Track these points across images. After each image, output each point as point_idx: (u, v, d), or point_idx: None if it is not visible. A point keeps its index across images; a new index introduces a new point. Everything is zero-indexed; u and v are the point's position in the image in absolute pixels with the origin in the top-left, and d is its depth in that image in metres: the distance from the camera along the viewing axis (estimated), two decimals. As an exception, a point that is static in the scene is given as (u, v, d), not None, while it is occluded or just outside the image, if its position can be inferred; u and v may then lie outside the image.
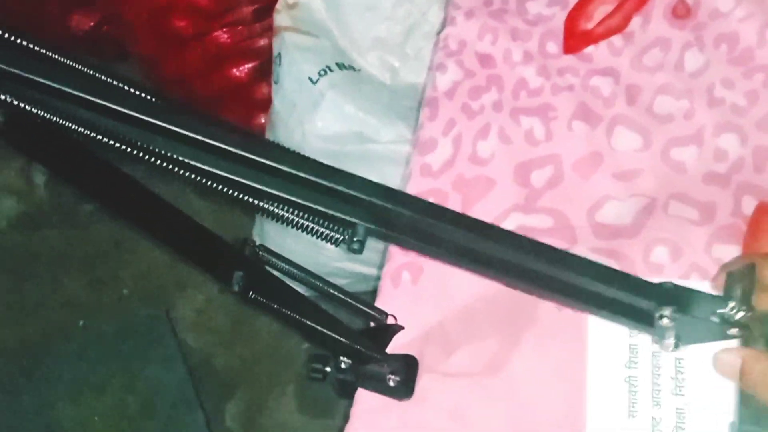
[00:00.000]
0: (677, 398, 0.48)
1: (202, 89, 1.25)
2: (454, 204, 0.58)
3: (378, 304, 0.56)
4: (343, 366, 0.51)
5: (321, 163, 0.41)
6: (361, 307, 0.54)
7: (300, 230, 0.41)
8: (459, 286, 0.55)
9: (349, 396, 0.54)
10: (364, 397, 0.53)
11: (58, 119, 0.37)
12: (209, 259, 0.46)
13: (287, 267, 0.51)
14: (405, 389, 0.53)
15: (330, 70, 1.05)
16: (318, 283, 0.52)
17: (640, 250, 0.54)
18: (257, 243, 0.49)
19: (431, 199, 0.58)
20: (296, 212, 0.41)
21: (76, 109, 0.37)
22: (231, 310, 1.19)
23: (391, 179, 0.62)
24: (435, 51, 0.67)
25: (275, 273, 0.50)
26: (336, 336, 0.49)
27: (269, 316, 0.49)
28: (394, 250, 0.58)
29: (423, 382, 0.53)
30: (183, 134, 0.38)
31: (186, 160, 0.39)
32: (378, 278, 0.58)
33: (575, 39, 0.63)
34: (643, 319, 0.42)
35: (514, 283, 0.44)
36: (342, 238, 0.41)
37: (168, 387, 1.16)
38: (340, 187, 0.40)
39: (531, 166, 0.59)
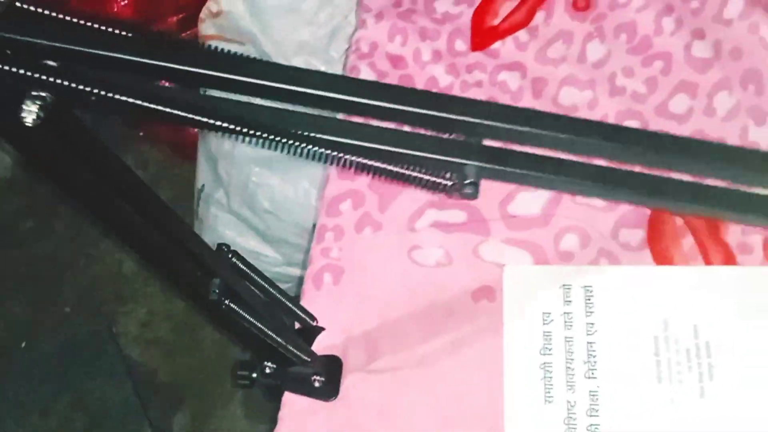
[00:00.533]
0: (590, 381, 0.50)
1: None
2: (371, 205, 0.59)
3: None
4: (267, 371, 0.52)
5: (407, 88, 0.36)
6: (296, 310, 0.55)
7: (397, 180, 0.36)
8: (378, 284, 0.56)
9: (278, 399, 0.55)
10: (291, 400, 0.54)
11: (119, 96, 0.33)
12: (190, 263, 0.43)
13: (251, 273, 0.50)
14: (330, 389, 0.54)
15: (256, 76, 1.05)
16: (269, 288, 0.52)
17: (551, 239, 0.56)
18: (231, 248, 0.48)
19: (349, 201, 0.60)
20: (389, 162, 0.35)
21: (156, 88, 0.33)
22: (174, 322, 1.19)
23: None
24: (348, 54, 0.68)
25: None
26: (281, 341, 0.49)
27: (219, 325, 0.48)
28: (315, 253, 0.59)
29: (348, 381, 0.54)
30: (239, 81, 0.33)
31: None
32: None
33: (482, 36, 0.64)
34: None
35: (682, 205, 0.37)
36: (450, 183, 0.36)
37: (114, 403, 1.16)
38: (443, 114, 0.34)
39: (444, 163, 0.60)
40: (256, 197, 1.04)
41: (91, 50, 0.33)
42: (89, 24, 0.34)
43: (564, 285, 0.53)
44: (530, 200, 0.57)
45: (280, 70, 0.36)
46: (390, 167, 0.36)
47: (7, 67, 0.31)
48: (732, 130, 0.57)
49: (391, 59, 0.66)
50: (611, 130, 0.36)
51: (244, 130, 0.35)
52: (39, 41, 0.32)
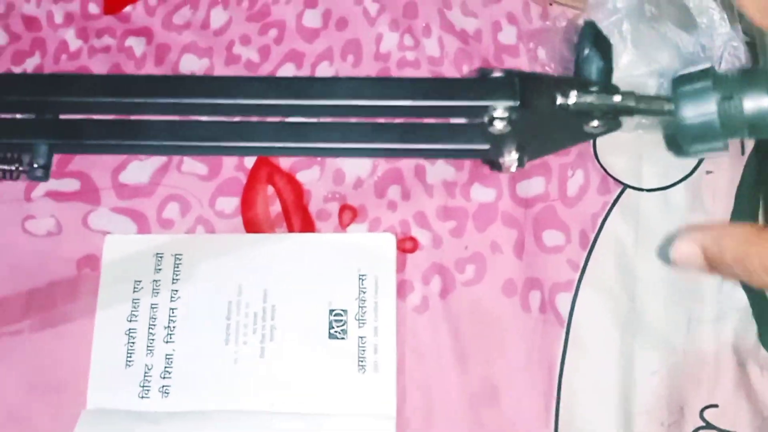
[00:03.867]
0: (167, 345, 0.55)
1: None
2: (-9, 174, 0.60)
3: None
4: None
5: None
6: None
7: None
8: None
9: None
10: None
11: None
12: None
13: None
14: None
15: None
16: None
17: (155, 208, 0.59)
18: None
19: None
20: None
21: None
22: None
23: None
24: (-15, 14, 0.67)
25: None
26: None
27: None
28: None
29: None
30: None
31: None
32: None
33: (114, -1, 0.65)
34: (476, 135, 0.38)
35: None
36: (17, 168, 0.36)
37: None
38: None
39: (64, 131, 0.62)
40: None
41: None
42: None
43: (157, 254, 0.57)
44: (140, 169, 0.60)
45: None
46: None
47: None
48: (329, 100, 0.61)
49: (26, 21, 0.66)
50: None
51: None
52: None
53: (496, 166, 0.40)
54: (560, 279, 0.55)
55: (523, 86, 0.38)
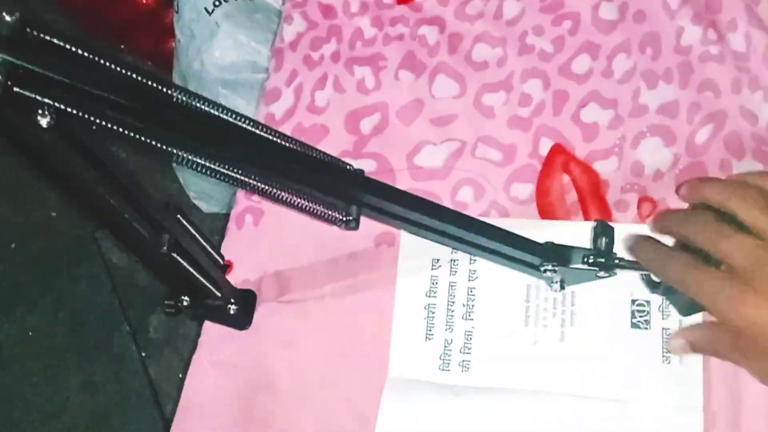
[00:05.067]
0: (466, 322, 0.56)
1: (112, 16, 1.28)
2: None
3: (224, 244, 0.63)
4: (185, 303, 0.59)
5: (319, 160, 0.50)
6: (211, 252, 0.61)
7: (302, 212, 0.47)
8: (292, 227, 0.62)
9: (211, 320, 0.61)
10: (210, 327, 0.61)
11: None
12: (142, 221, 0.48)
13: (186, 224, 0.55)
14: (244, 319, 0.60)
15: (224, 0, 1.08)
16: (196, 234, 0.57)
17: (449, 190, 0.61)
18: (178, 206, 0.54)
19: (273, 146, 0.65)
20: (304, 198, 0.47)
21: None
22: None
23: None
24: (284, 2, 0.72)
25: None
26: (203, 281, 0.55)
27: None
28: (241, 195, 0.64)
29: (260, 312, 0.60)
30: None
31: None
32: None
33: (407, -11, 0.68)
34: (533, 269, 0.52)
35: (457, 245, 0.54)
36: (339, 218, 0.48)
37: (96, 303, 1.24)
38: (339, 184, 0.48)
39: (361, 113, 0.65)
40: (224, 117, 1.09)
41: (91, 89, 0.37)
42: (93, 57, 0.37)
43: (455, 234, 0.59)
44: (434, 153, 0.62)
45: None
46: (296, 199, 0.47)
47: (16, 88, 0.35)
48: (625, 92, 0.61)
49: (323, 9, 0.69)
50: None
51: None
52: (42, 71, 0.35)
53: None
54: None
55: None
